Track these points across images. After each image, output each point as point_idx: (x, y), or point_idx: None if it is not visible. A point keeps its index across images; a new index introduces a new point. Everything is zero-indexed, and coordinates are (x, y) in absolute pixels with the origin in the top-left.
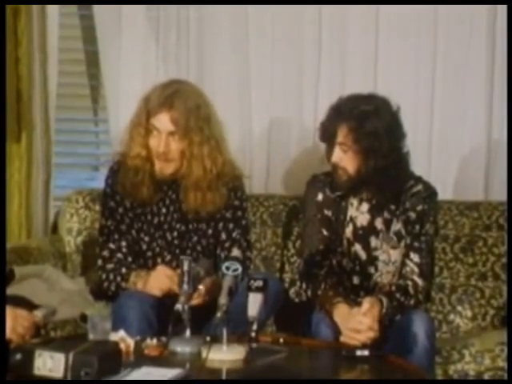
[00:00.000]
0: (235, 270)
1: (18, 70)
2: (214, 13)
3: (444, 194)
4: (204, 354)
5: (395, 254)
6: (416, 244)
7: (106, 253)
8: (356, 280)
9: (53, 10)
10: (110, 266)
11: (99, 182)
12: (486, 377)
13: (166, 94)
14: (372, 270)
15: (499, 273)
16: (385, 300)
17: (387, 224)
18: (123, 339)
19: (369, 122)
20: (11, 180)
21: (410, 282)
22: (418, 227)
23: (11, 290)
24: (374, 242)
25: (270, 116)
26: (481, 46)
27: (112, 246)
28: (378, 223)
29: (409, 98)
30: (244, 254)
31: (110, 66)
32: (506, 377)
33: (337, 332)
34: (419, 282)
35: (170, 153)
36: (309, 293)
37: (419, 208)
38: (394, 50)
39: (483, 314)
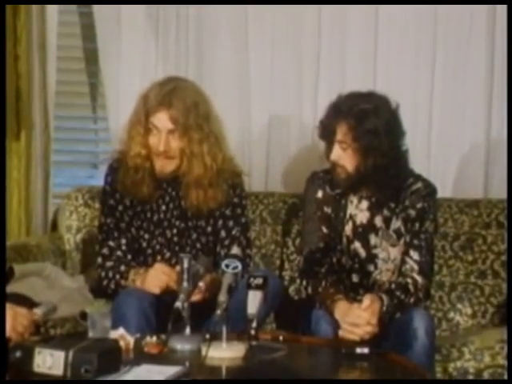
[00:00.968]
0: (235, 267)
1: (17, 67)
2: (213, 11)
3: (444, 191)
4: (204, 352)
5: (394, 252)
6: (416, 242)
7: (105, 251)
8: (355, 278)
9: (52, 7)
10: (109, 263)
11: (98, 180)
12: (486, 374)
13: (164, 93)
14: (371, 267)
15: (499, 270)
16: (385, 298)
17: (387, 222)
18: (123, 337)
19: (368, 120)
20: (10, 178)
21: (409, 280)
22: (417, 225)
23: (11, 288)
24: (373, 239)
25: (269, 114)
26: (480, 45)
27: (111, 243)
28: (378, 221)
29: (408, 96)
30: (244, 252)
31: (109, 64)
32: (505, 375)
33: (337, 329)
34: (419, 279)
35: (170, 151)
36: (309, 290)
37: (419, 206)
38: (393, 50)
39: (483, 311)
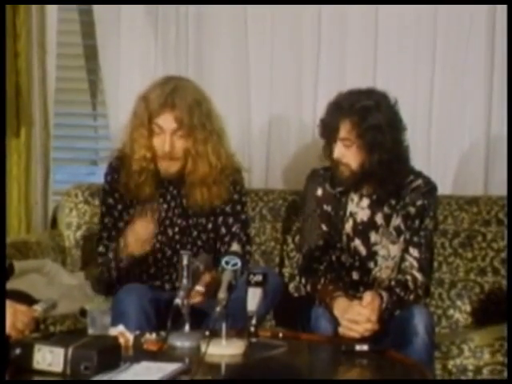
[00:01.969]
0: (235, 264)
1: (17, 64)
2: (213, 9)
3: (443, 188)
4: (203, 349)
5: (394, 249)
6: (415, 239)
7: (101, 248)
8: (355, 275)
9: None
10: (104, 259)
11: (98, 177)
12: (485, 371)
13: (165, 93)
14: (371, 265)
15: (498, 268)
16: (384, 295)
17: (387, 219)
18: (122, 334)
19: (371, 115)
20: (10, 174)
21: (409, 277)
22: (417, 222)
23: (11, 285)
24: (373, 237)
25: (269, 112)
26: (480, 45)
27: (107, 242)
28: (378, 218)
29: (408, 95)
30: (243, 249)
31: (108, 61)
32: (505, 373)
33: (336, 326)
34: (419, 276)
35: (175, 151)
36: (308, 287)
37: (419, 203)
38: (393, 49)
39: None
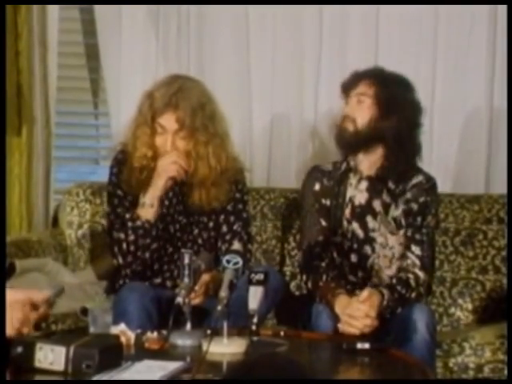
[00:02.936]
0: (236, 263)
1: (18, 63)
2: (214, 8)
3: (445, 186)
4: (204, 347)
5: (392, 240)
6: (417, 236)
7: (115, 234)
8: (354, 258)
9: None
10: (124, 245)
11: (99, 176)
12: (486, 369)
13: (170, 93)
14: (369, 250)
15: (500, 266)
16: (386, 292)
17: (386, 207)
18: (124, 332)
19: (396, 85)
20: (11, 173)
21: (411, 275)
22: (419, 219)
23: (12, 284)
24: (371, 222)
25: (270, 110)
26: (481, 45)
27: (121, 230)
28: (376, 205)
29: None
30: (245, 247)
31: (110, 60)
32: (505, 371)
33: (337, 324)
34: (421, 274)
35: (177, 151)
36: (309, 285)
37: (421, 200)
38: (394, 49)
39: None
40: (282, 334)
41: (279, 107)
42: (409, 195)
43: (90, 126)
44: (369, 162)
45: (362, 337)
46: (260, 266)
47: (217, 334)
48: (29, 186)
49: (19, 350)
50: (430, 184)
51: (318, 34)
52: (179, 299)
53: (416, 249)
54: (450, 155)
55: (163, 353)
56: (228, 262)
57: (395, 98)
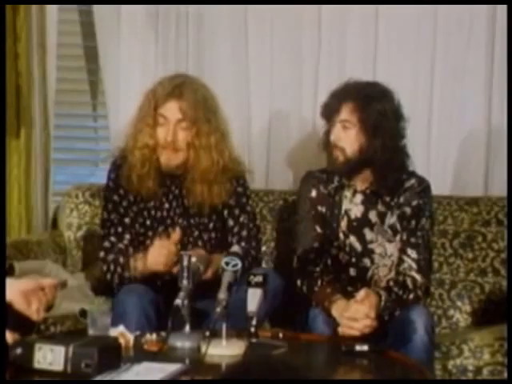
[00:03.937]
0: (235, 265)
1: (17, 65)
2: (213, 9)
3: (443, 189)
4: (203, 349)
5: (391, 248)
6: (413, 240)
7: (107, 244)
8: (353, 272)
9: (52, 5)
10: (110, 257)
11: (98, 178)
12: (485, 372)
13: (174, 84)
14: (368, 262)
15: (499, 268)
16: (383, 293)
17: (381, 217)
18: (123, 334)
19: (377, 101)
20: (10, 175)
21: (408, 278)
22: (413, 222)
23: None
24: (368, 234)
25: (269, 111)
26: (481, 45)
27: (113, 238)
28: (372, 216)
29: (407, 95)
30: (256, 238)
31: (109, 62)
32: (505, 373)
33: (333, 328)
34: (418, 278)
35: (178, 142)
36: (304, 289)
37: (414, 203)
38: (393, 49)
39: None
40: (280, 335)
41: (278, 108)
42: (402, 199)
43: (89, 128)
44: (361, 179)
45: (361, 339)
46: (259, 268)
47: (215, 336)
48: (28, 188)
49: (18, 350)
50: (423, 187)
51: (317, 33)
52: (178, 301)
53: (412, 252)
54: (448, 157)
55: (162, 355)
56: (227, 264)
57: (379, 119)
